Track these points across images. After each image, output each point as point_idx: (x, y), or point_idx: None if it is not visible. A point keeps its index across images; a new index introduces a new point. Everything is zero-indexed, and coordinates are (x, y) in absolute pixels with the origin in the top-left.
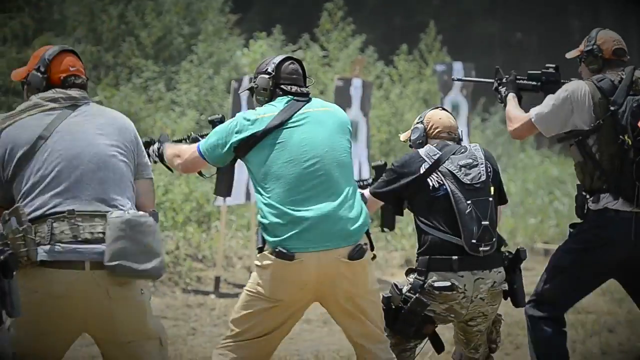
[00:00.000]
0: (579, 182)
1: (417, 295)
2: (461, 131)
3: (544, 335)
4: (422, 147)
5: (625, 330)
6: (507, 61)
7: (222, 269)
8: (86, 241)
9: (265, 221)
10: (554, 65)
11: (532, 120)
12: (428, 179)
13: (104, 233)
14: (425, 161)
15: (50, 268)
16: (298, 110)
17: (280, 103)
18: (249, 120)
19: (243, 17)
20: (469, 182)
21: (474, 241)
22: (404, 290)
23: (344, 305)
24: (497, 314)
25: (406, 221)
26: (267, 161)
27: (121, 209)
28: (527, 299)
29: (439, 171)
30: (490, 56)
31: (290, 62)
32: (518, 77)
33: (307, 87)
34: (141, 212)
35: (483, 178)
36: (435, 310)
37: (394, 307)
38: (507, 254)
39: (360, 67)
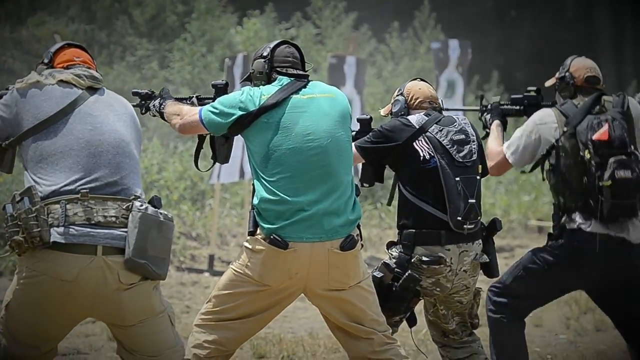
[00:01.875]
0: (554, 202)
1: (408, 272)
2: (442, 100)
3: (499, 318)
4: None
5: None
6: (501, 38)
7: (216, 247)
8: (98, 224)
9: (262, 206)
10: (535, 88)
11: (506, 156)
12: (418, 148)
13: (116, 217)
14: (416, 128)
15: (63, 252)
16: (298, 91)
17: (278, 83)
18: (252, 97)
19: None
20: (460, 160)
21: (459, 218)
22: (391, 266)
23: (336, 295)
24: (476, 287)
25: None
26: (270, 144)
27: (140, 199)
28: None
29: (430, 142)
30: (484, 33)
31: (286, 45)
32: (502, 102)
33: (305, 71)
34: (164, 212)
35: (474, 157)
36: (422, 285)
37: (385, 284)
38: (482, 224)
39: (354, 45)
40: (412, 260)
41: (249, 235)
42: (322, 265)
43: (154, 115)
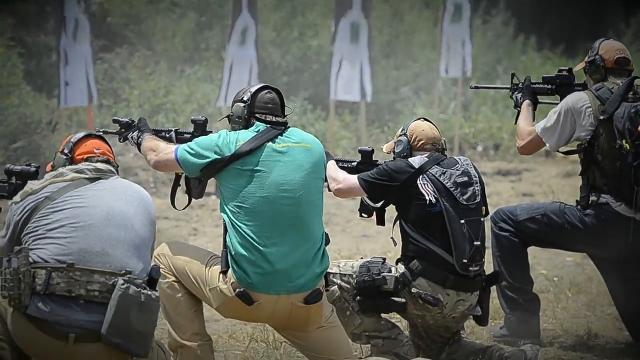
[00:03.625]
0: (582, 177)
1: (402, 300)
2: (444, 141)
3: (506, 236)
4: (407, 159)
5: None
6: None
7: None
8: (78, 297)
9: (232, 250)
10: (567, 68)
11: (538, 134)
12: (424, 192)
13: (99, 292)
14: (415, 169)
15: (36, 328)
16: (274, 139)
17: (255, 129)
18: (227, 142)
19: None
20: (464, 203)
21: (465, 261)
22: (384, 273)
23: (293, 334)
24: (458, 329)
25: None
26: (243, 192)
27: (129, 275)
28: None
29: (434, 185)
30: None
31: (267, 91)
32: (533, 81)
33: (284, 116)
34: (151, 292)
35: (478, 199)
36: (408, 309)
37: (378, 289)
38: (484, 275)
39: None
40: (411, 290)
41: (220, 272)
42: (282, 315)
43: (132, 145)
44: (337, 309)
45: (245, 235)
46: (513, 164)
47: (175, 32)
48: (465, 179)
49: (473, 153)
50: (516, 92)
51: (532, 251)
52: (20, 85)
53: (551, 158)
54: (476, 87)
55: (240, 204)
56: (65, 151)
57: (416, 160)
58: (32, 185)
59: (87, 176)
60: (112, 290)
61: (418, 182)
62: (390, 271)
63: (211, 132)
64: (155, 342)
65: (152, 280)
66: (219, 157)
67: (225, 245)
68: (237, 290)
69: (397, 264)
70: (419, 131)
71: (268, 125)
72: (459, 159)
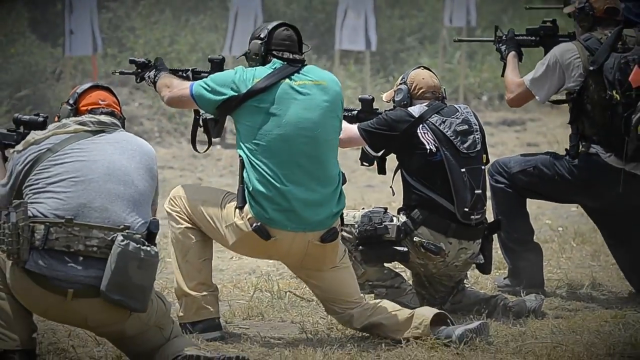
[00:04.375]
0: (572, 126)
1: (405, 249)
2: (444, 89)
3: (502, 187)
4: (407, 108)
5: None
6: None
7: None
8: (77, 253)
9: (250, 186)
10: (551, 20)
11: (527, 86)
12: (424, 140)
13: (98, 247)
14: (415, 118)
15: (34, 282)
16: (291, 76)
17: (271, 66)
18: (244, 79)
19: None
20: (465, 151)
21: (466, 209)
22: (385, 222)
23: (307, 273)
24: (462, 278)
25: None
26: (260, 130)
27: (127, 231)
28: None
29: (434, 134)
30: None
31: (284, 28)
32: (517, 33)
33: (302, 54)
34: (150, 248)
35: (478, 147)
36: (411, 258)
37: (378, 238)
38: (486, 221)
39: None
40: (414, 239)
41: (237, 208)
42: (299, 253)
43: (149, 85)
44: None
45: (263, 172)
46: (518, 114)
47: None
48: (465, 127)
49: (478, 103)
50: (500, 45)
51: (537, 202)
52: (25, 33)
53: (556, 108)
54: (460, 40)
55: (257, 142)
56: (70, 102)
57: (416, 109)
58: (35, 135)
59: (89, 129)
60: (111, 245)
61: (418, 131)
62: (392, 220)
63: None
64: (154, 293)
65: (151, 235)
66: (235, 94)
67: (242, 182)
68: (254, 225)
69: (399, 213)
70: (419, 79)
71: (285, 63)
72: (459, 107)
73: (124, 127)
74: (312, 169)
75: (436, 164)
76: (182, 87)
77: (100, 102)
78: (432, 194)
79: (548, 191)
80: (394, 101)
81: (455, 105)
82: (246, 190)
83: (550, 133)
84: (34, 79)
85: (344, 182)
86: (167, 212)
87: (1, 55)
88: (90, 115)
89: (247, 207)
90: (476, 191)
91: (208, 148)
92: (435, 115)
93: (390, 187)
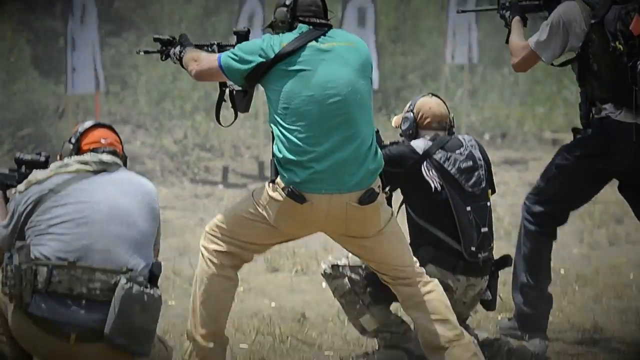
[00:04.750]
0: (581, 92)
1: None
2: (452, 117)
3: (534, 230)
4: (413, 138)
5: (633, 220)
6: None
7: (230, 158)
8: (80, 296)
9: (280, 155)
10: None
11: (532, 48)
12: (429, 179)
13: (101, 290)
14: (419, 155)
15: (37, 326)
16: (317, 39)
17: (298, 31)
18: (272, 45)
19: None
20: (470, 189)
21: (473, 249)
22: None
23: (354, 242)
24: (466, 324)
25: None
26: (289, 92)
27: (130, 273)
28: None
29: (439, 172)
30: None
31: None
32: None
33: (328, 20)
34: (153, 291)
35: (483, 184)
36: None
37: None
38: (493, 258)
39: None
40: None
41: (270, 182)
42: (339, 218)
43: (175, 62)
44: (347, 302)
45: (293, 138)
46: (520, 152)
47: (182, 17)
48: (470, 163)
49: (480, 141)
50: (504, 11)
51: None
52: (27, 70)
53: (558, 147)
54: (463, 12)
55: (286, 105)
56: (72, 140)
57: (420, 145)
58: (36, 174)
59: (91, 168)
60: (114, 288)
61: (422, 168)
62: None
63: None
64: (157, 337)
65: (153, 277)
66: (263, 60)
67: (273, 155)
68: (287, 189)
69: None
70: (426, 109)
71: (311, 27)
72: (464, 139)
73: (125, 166)
74: (343, 129)
75: (442, 202)
76: (210, 59)
77: (102, 140)
78: (438, 232)
79: (579, 182)
80: (400, 129)
81: (460, 137)
82: (277, 162)
83: None
84: (36, 117)
85: (380, 141)
86: (201, 247)
87: (3, 92)
88: (92, 154)
89: (279, 178)
90: (482, 229)
91: (234, 121)
92: (440, 150)
93: None
